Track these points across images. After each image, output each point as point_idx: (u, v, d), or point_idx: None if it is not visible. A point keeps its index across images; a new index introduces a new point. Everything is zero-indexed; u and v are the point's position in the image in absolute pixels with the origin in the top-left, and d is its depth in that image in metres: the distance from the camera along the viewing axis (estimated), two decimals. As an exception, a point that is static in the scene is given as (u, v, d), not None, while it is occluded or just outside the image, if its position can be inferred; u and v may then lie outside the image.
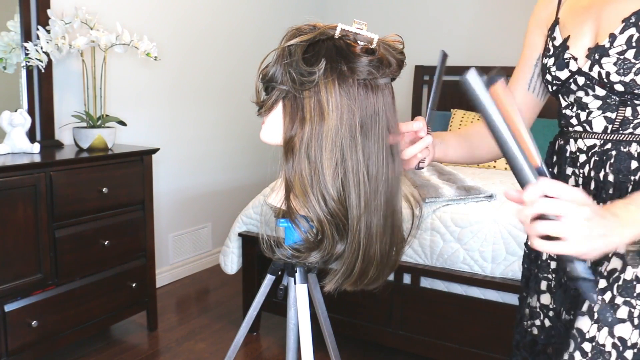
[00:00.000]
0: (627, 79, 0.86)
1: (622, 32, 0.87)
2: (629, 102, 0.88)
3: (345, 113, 0.82)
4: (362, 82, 0.83)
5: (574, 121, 0.97)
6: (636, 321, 0.83)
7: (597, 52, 0.89)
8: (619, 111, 0.90)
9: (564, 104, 0.99)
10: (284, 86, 0.85)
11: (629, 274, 0.85)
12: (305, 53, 0.83)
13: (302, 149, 0.83)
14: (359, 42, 0.85)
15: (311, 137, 0.83)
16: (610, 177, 0.91)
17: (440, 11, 3.96)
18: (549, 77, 0.99)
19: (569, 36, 0.96)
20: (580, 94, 0.94)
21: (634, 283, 0.84)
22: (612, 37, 0.88)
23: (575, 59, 0.93)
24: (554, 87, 0.99)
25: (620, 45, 0.87)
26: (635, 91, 0.86)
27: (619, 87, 0.87)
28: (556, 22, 1.00)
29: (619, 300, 0.85)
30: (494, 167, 3.22)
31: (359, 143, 0.83)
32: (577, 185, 0.97)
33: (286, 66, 0.84)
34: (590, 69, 0.90)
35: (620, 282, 0.86)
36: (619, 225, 0.69)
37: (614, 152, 0.91)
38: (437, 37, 3.98)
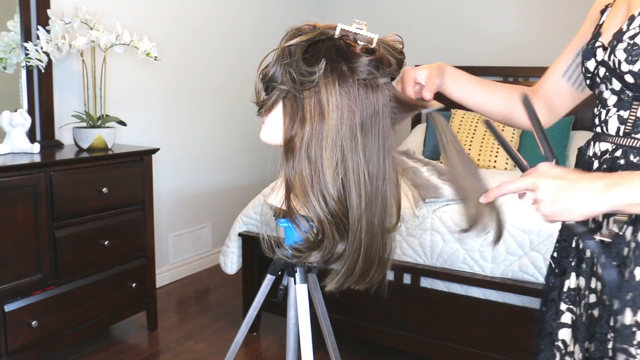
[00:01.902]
0: (635, 67, 0.73)
1: None
2: None
3: (346, 113, 0.82)
4: (362, 82, 0.83)
5: (596, 121, 0.86)
6: None
7: (616, 38, 0.78)
8: (632, 109, 0.78)
9: (597, 100, 0.87)
10: (284, 86, 0.85)
11: (628, 318, 0.76)
12: (305, 53, 0.83)
13: (303, 148, 0.83)
14: (358, 42, 0.84)
15: (311, 137, 0.83)
16: None
17: (439, 11, 3.96)
18: (583, 68, 0.88)
19: (603, 22, 0.86)
20: (602, 87, 0.83)
21: (634, 329, 0.75)
22: (631, 19, 0.76)
23: (605, 48, 0.81)
24: (587, 81, 0.87)
25: (635, 28, 0.74)
26: None
27: (629, 78, 0.75)
28: (608, 6, 0.89)
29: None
30: (494, 167, 3.22)
31: (359, 143, 0.83)
32: None
33: (286, 66, 0.83)
34: (609, 57, 0.78)
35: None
36: (587, 199, 0.70)
37: (622, 161, 0.80)
38: (437, 37, 3.98)
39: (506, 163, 3.22)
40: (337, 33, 0.84)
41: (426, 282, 2.18)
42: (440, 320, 2.14)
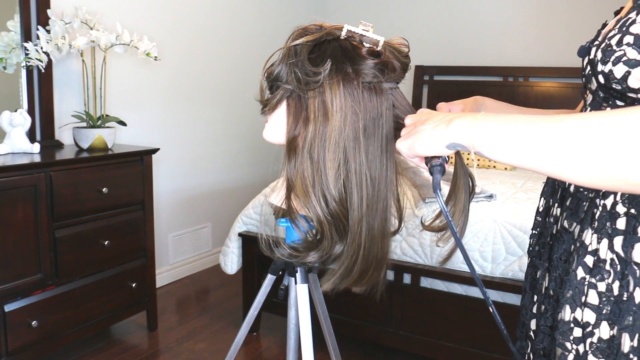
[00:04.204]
0: (606, 69, 0.71)
1: (627, 13, 0.72)
2: (609, 102, 0.74)
3: (349, 115, 0.82)
4: (367, 85, 0.83)
5: None
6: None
7: (604, 38, 0.75)
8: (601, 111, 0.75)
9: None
10: (288, 85, 0.85)
11: (567, 314, 0.76)
12: (311, 53, 0.83)
13: (305, 148, 0.83)
14: (364, 43, 0.84)
15: (314, 137, 0.83)
16: (572, 187, 0.82)
17: (439, 10, 3.97)
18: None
19: (606, 22, 0.83)
20: (587, 86, 0.81)
21: (571, 325, 0.76)
22: (618, 22, 0.74)
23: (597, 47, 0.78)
24: (583, 79, 0.84)
25: (614, 29, 0.72)
26: (614, 86, 0.71)
27: (600, 79, 0.73)
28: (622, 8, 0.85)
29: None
30: (494, 167, 3.23)
31: (361, 145, 0.83)
32: (554, 189, 0.88)
33: (291, 65, 0.83)
34: (594, 56, 0.76)
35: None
36: (430, 132, 0.69)
37: None
38: (437, 36, 3.98)
39: (506, 163, 3.22)
40: (343, 34, 0.84)
41: (426, 282, 2.18)
42: (440, 320, 2.14)
